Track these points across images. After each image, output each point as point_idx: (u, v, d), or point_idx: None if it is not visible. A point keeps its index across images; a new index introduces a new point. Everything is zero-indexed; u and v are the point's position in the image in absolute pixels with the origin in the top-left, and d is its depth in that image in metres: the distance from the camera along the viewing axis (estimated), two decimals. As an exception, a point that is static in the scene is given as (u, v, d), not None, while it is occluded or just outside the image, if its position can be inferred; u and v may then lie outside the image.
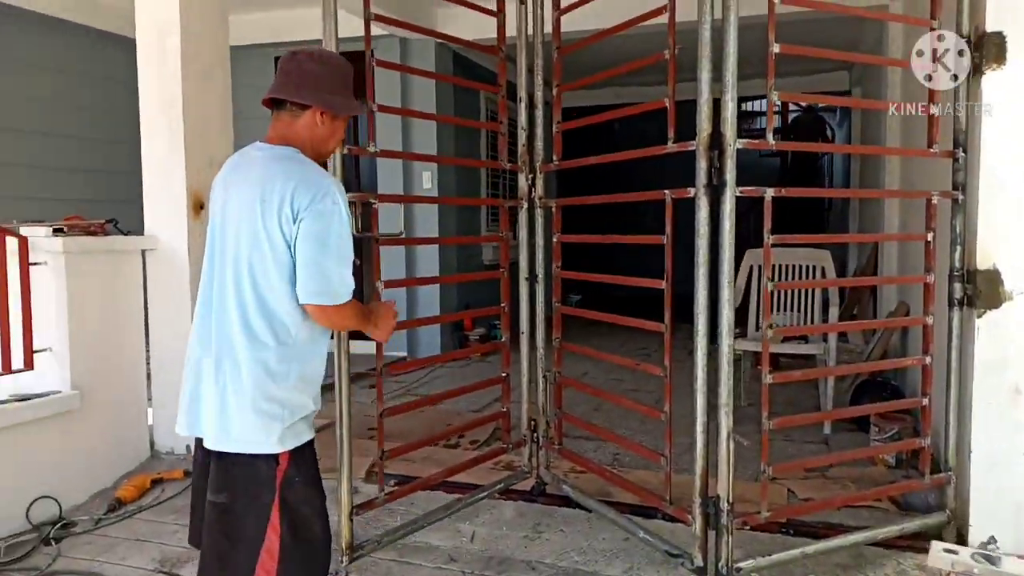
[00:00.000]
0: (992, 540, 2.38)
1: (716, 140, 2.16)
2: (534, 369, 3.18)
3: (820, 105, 9.92)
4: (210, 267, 1.89)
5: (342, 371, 2.51)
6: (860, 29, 6.18)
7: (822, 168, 10.53)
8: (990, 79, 2.37)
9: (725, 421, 2.28)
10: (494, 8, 3.09)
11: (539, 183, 3.10)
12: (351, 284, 1.84)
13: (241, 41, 4.74)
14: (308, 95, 1.88)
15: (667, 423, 2.47)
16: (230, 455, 1.80)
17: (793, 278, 4.60)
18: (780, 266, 4.65)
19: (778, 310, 4.77)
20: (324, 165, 1.96)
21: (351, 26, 3.57)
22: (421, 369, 6.11)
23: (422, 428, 4.21)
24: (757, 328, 4.59)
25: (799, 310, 4.70)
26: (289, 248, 1.79)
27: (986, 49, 2.36)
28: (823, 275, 4.47)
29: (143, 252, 3.77)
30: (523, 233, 3.15)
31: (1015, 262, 2.42)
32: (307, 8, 5.92)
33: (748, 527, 2.49)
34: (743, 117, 10.71)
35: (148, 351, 3.82)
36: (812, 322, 4.58)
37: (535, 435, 3.18)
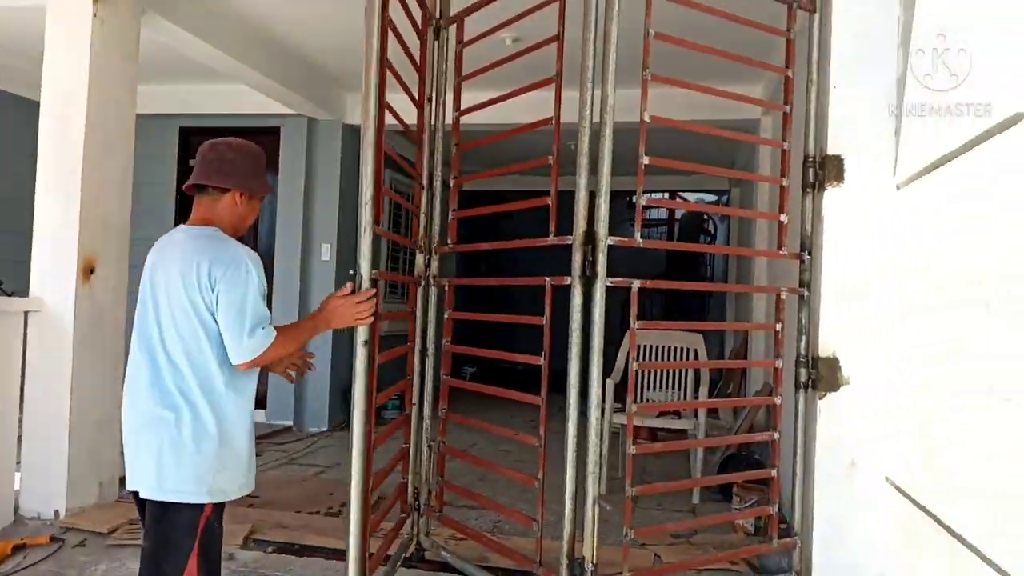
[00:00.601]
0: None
1: (590, 236, 2.42)
2: (420, 439, 3.28)
3: (707, 199, 10.70)
4: (140, 339, 2.12)
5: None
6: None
7: (702, 260, 11.25)
8: (831, 194, 2.75)
9: (592, 487, 2.46)
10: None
11: (434, 263, 3.27)
12: (258, 341, 2.05)
13: (147, 110, 4.79)
14: (228, 180, 2.16)
15: (540, 490, 2.63)
16: (165, 503, 2.05)
17: (669, 359, 4.93)
18: (658, 347, 4.99)
19: (657, 388, 5.10)
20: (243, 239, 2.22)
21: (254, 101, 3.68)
22: (305, 439, 6.08)
23: (303, 497, 4.21)
24: (635, 403, 4.86)
25: (675, 388, 5.04)
26: (212, 316, 2.06)
27: (828, 169, 2.75)
28: (696, 357, 4.82)
29: (26, 314, 3.70)
30: (418, 309, 3.30)
31: (851, 351, 2.75)
32: (214, 84, 6.08)
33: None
34: (632, 207, 11.38)
35: (21, 414, 3.71)
36: (686, 399, 4.91)
37: (417, 503, 3.27)
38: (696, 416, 4.56)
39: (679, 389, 4.97)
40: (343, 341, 6.62)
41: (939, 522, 2.06)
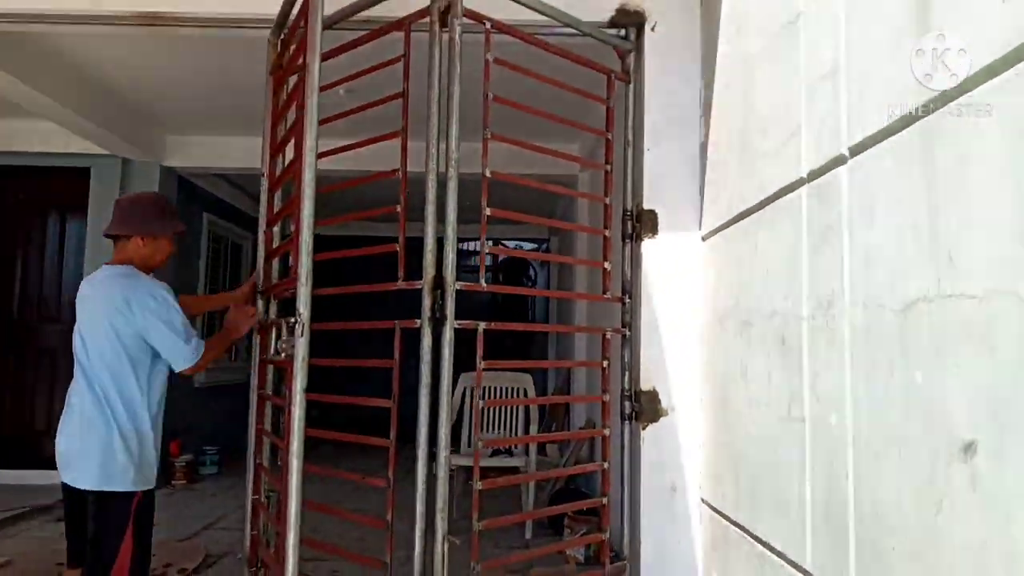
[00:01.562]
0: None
1: (439, 281, 2.54)
2: (257, 490, 3.18)
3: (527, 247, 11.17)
4: (78, 363, 2.64)
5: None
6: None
7: (527, 302, 11.69)
8: (647, 244, 3.07)
9: (441, 525, 2.54)
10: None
11: (273, 308, 3.22)
12: (194, 347, 2.62)
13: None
14: (128, 228, 2.71)
15: (389, 531, 2.66)
16: (104, 492, 2.52)
17: (499, 398, 5.13)
18: (489, 388, 5.17)
19: (487, 428, 5.26)
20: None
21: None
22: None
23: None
24: (468, 445, 5.00)
25: (506, 428, 5.23)
26: (131, 338, 2.55)
27: (644, 222, 3.06)
28: (525, 396, 5.05)
29: None
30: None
31: (668, 385, 3.05)
32: (11, 120, 5.64)
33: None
34: (462, 255, 11.64)
35: None
36: (516, 437, 5.11)
37: (255, 556, 3.17)
38: (527, 453, 4.76)
39: (510, 429, 5.17)
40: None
41: (747, 532, 2.35)
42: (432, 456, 2.62)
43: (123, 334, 2.56)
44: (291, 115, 2.95)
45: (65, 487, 2.62)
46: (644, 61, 3.16)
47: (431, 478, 2.59)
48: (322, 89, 2.93)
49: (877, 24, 1.60)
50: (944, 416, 1.30)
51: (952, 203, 1.31)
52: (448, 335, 2.52)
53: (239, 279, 8.58)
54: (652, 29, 3.17)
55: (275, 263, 3.23)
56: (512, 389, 5.16)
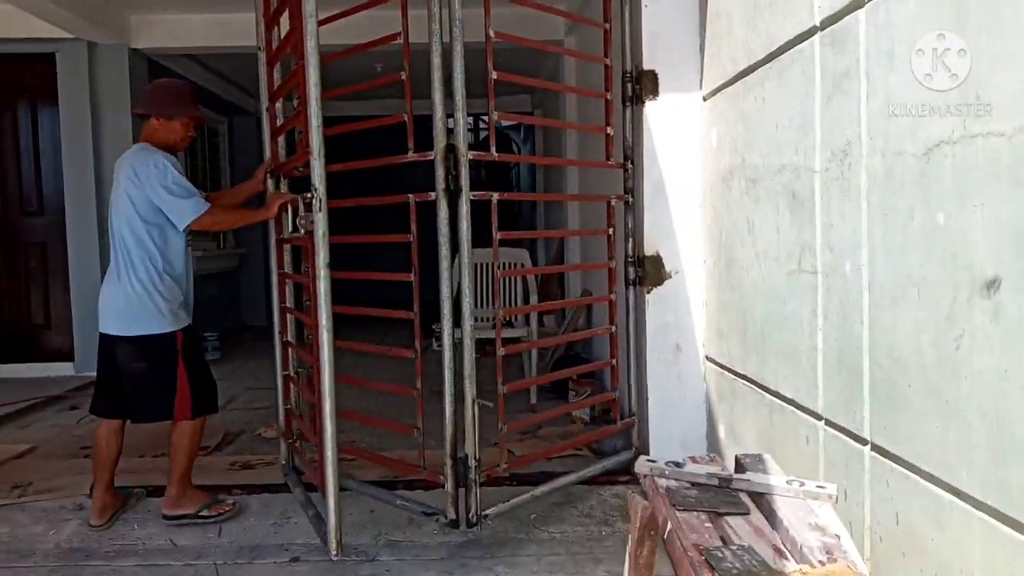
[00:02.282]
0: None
1: (451, 150, 2.50)
2: (287, 366, 3.25)
3: (504, 124, 10.93)
4: (109, 225, 2.94)
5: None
6: (538, 59, 6.98)
7: (511, 176, 11.59)
8: (648, 107, 3.02)
9: (469, 389, 2.62)
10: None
11: (283, 187, 3.18)
12: (192, 205, 2.83)
13: None
14: (146, 108, 2.97)
15: (418, 398, 2.74)
16: (136, 336, 2.86)
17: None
18: (487, 264, 5.20)
19: (488, 303, 5.33)
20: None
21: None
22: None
23: (143, 443, 4.05)
24: (476, 320, 5.09)
25: (507, 301, 5.30)
26: (142, 202, 2.82)
27: (644, 83, 3.00)
28: (523, 268, 5.09)
29: None
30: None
31: (672, 249, 3.09)
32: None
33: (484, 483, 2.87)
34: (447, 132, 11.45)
35: None
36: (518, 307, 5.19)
37: (291, 429, 3.26)
38: (528, 323, 4.85)
39: (511, 302, 5.24)
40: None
41: (755, 384, 2.44)
42: (456, 325, 2.67)
43: (135, 199, 2.83)
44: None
45: (101, 338, 2.95)
46: (640, -93, 3.00)
47: (457, 346, 2.64)
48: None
49: None
50: (967, 255, 1.33)
51: (983, 40, 1.29)
52: (464, 207, 2.49)
53: (217, 162, 8.40)
54: None
55: (280, 141, 3.16)
56: (510, 264, 5.19)
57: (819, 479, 1.91)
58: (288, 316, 3.18)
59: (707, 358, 3.03)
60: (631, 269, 3.13)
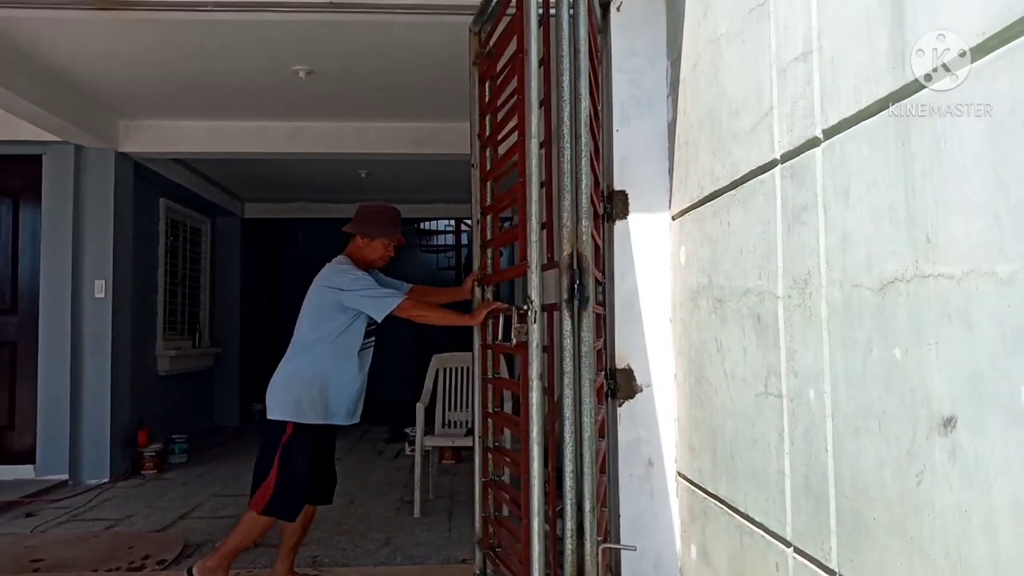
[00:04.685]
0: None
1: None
2: (486, 472, 3.29)
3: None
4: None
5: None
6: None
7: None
8: (619, 225, 3.10)
9: (589, 525, 2.54)
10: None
11: (489, 295, 3.35)
12: (394, 297, 3.19)
13: None
14: (353, 227, 3.36)
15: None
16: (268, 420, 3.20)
17: (470, 378, 5.14)
18: (459, 368, 5.18)
19: (456, 407, 5.28)
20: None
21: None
22: (86, 492, 5.58)
23: (99, 555, 3.90)
24: (443, 425, 5.03)
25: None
26: (326, 309, 3.20)
27: (615, 202, 3.09)
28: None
29: None
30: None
31: (643, 363, 3.10)
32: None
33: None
34: (426, 234, 11.66)
35: None
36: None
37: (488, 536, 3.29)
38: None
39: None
40: (122, 384, 6.16)
41: (726, 505, 2.42)
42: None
43: (321, 305, 3.19)
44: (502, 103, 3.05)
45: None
46: (611, 41, 3.17)
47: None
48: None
49: (850, 7, 1.63)
50: (924, 391, 1.36)
51: (929, 186, 1.36)
52: (588, 320, 2.43)
53: (199, 263, 8.44)
54: (618, 9, 3.17)
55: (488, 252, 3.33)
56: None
57: (791, 610, 1.87)
58: (489, 422, 3.29)
59: (679, 474, 3.00)
60: (604, 382, 3.13)
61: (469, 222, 10.94)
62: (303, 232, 11.02)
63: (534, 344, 2.32)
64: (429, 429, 4.81)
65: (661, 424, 3.05)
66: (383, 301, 3.17)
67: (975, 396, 1.23)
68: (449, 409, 5.32)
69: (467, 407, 5.26)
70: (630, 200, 3.09)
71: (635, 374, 3.09)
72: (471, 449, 5.37)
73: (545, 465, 2.45)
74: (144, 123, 6.16)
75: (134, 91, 5.44)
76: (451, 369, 5.12)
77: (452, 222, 11.28)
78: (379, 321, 3.21)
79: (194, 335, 8.07)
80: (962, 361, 1.26)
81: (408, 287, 3.56)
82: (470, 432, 4.92)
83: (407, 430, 5.74)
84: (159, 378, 7.12)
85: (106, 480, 5.90)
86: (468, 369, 5.17)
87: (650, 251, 3.08)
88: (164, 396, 7.15)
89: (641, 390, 3.09)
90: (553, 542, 2.51)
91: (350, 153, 6.07)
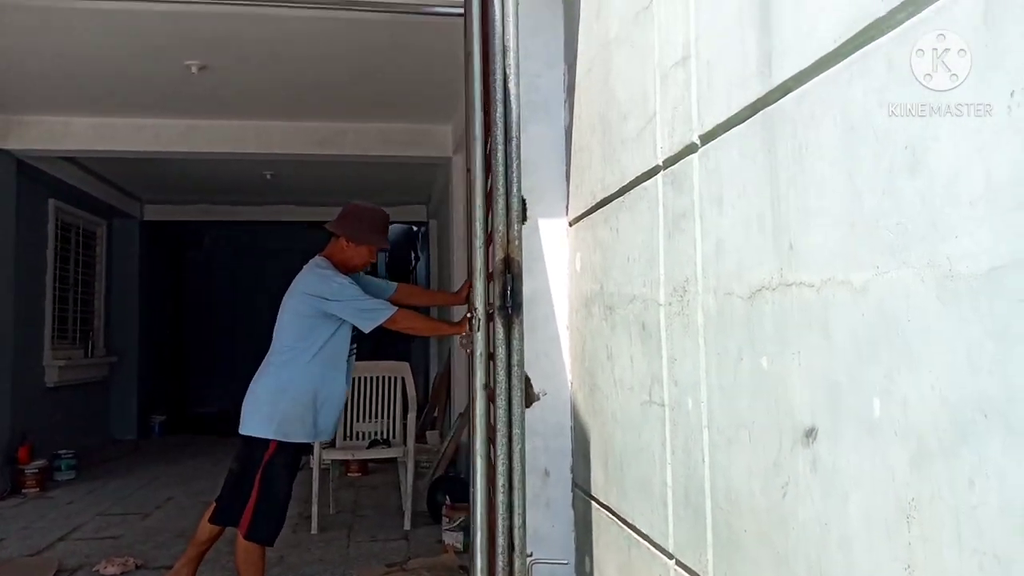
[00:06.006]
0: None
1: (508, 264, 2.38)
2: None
3: (416, 229, 10.99)
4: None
5: None
6: (434, 173, 7.12)
7: (412, 281, 11.56)
8: (518, 230, 3.04)
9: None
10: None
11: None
12: (384, 307, 2.97)
13: None
14: (339, 228, 3.08)
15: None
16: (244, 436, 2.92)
17: (377, 389, 5.02)
18: (366, 378, 5.04)
19: (365, 418, 5.14)
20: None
21: None
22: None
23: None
24: (345, 437, 4.87)
25: (385, 417, 5.12)
26: (307, 316, 2.94)
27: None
28: (403, 385, 4.96)
29: None
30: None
31: (540, 371, 3.05)
32: None
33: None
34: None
35: None
36: (394, 428, 5.02)
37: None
38: (405, 443, 4.68)
39: (388, 418, 5.07)
40: (4, 396, 5.77)
41: (616, 515, 2.38)
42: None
43: (302, 313, 2.94)
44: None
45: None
46: (508, 43, 3.11)
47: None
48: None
49: (723, 11, 1.61)
50: (788, 401, 1.33)
51: (792, 193, 1.34)
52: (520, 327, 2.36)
53: (93, 267, 8.00)
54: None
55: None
56: (389, 379, 5.05)
57: (671, 624, 1.84)
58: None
59: (575, 484, 2.96)
60: (501, 390, 3.06)
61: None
62: (208, 235, 10.63)
63: (478, 353, 2.24)
64: (330, 443, 4.65)
65: (557, 433, 3.00)
66: (372, 313, 2.96)
67: (833, 407, 1.20)
68: (358, 420, 5.17)
69: (377, 417, 5.13)
70: (528, 205, 3.03)
71: (532, 382, 3.04)
72: (379, 461, 5.25)
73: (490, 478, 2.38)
74: (26, 118, 5.79)
75: (13, 84, 5.10)
76: (361, 379, 4.98)
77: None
78: (366, 333, 2.98)
79: (87, 344, 7.63)
80: (821, 371, 1.24)
81: (394, 287, 3.33)
82: (375, 443, 4.79)
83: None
84: (47, 390, 6.70)
85: (-24, 501, 5.51)
86: (379, 379, 5.04)
87: (549, 258, 3.04)
88: (52, 409, 6.72)
89: (539, 398, 3.03)
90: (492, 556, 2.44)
91: (252, 153, 5.85)
